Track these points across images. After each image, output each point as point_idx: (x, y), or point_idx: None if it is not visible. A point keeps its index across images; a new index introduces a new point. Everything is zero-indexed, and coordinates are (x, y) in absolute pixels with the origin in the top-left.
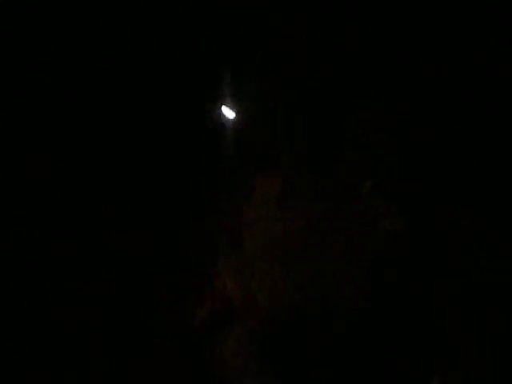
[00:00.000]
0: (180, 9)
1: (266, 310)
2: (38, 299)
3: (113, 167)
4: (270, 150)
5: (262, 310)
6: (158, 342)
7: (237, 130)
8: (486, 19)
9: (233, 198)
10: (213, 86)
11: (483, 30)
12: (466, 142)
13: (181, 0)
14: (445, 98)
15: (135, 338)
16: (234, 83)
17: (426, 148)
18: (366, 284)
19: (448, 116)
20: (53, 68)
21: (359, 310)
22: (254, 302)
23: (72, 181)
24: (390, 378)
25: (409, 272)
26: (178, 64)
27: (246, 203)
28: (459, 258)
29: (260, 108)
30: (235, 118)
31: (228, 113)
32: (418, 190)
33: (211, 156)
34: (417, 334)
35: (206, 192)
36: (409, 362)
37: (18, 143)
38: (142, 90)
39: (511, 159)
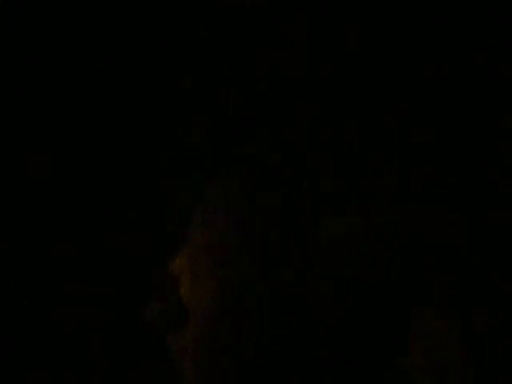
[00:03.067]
0: (179, 9)
1: (210, 310)
2: (38, 299)
3: (113, 167)
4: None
5: (206, 309)
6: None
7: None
8: (486, 19)
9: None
10: (211, 87)
11: (483, 30)
12: (466, 142)
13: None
14: (445, 98)
15: (135, 338)
16: (232, 83)
17: (426, 148)
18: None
19: (448, 116)
20: (53, 68)
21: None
22: (198, 302)
23: (72, 181)
24: (389, 377)
25: (407, 271)
26: (177, 64)
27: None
28: (457, 260)
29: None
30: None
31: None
32: (419, 191)
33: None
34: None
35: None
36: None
37: (18, 143)
38: (142, 90)
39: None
